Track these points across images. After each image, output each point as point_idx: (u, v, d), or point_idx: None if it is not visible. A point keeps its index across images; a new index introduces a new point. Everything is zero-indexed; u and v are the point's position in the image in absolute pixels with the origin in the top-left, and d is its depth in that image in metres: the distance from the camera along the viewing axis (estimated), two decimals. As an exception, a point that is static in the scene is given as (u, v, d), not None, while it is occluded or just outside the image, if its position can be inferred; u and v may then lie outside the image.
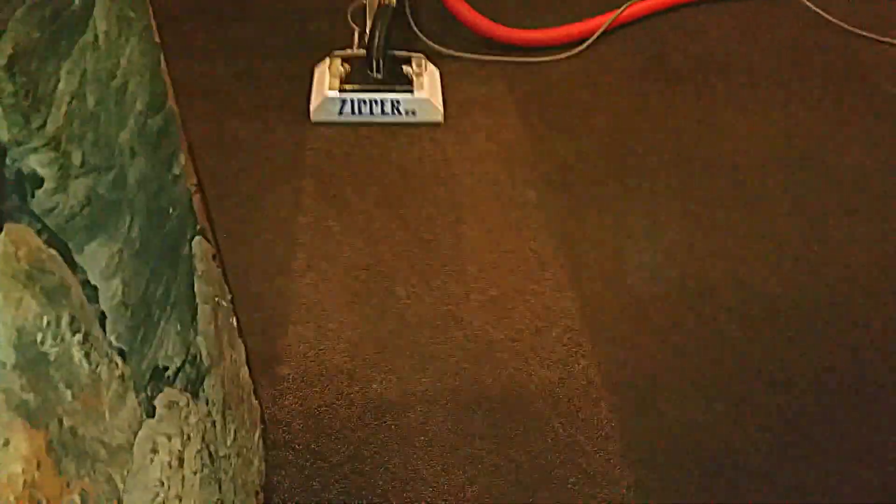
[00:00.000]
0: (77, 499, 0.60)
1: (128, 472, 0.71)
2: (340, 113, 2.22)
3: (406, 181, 2.08)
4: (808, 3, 2.68)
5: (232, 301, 1.24)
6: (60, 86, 0.63)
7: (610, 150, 2.20)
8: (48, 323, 0.58)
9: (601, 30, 2.55)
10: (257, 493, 1.32)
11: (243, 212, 1.96)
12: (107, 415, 0.68)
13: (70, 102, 0.65)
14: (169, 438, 0.84)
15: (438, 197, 2.03)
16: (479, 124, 2.26)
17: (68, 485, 0.59)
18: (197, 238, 1.07)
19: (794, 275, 1.86)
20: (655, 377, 1.64)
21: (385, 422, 1.55)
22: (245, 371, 1.29)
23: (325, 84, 2.25)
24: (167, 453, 0.82)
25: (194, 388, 1.00)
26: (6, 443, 0.52)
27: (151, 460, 0.78)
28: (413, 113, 2.22)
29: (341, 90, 2.22)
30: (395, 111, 2.22)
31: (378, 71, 2.26)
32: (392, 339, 1.70)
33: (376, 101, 2.21)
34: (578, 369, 1.65)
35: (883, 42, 2.58)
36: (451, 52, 2.47)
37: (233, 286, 1.23)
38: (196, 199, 1.07)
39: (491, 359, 1.67)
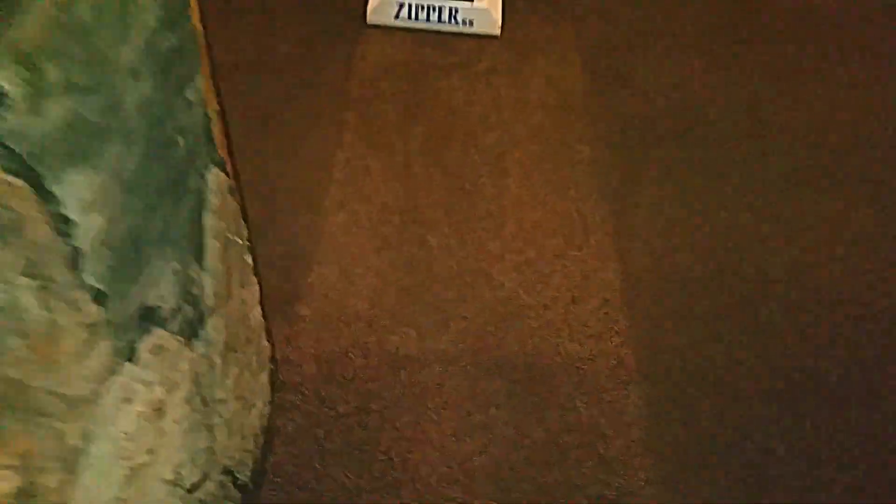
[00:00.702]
0: (16, 462, 0.54)
1: (88, 423, 0.66)
2: (397, 16, 2.15)
3: (453, 124, 1.96)
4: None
5: (249, 238, 1.17)
6: (35, -10, 0.54)
7: (677, 112, 2.04)
8: (-6, 265, 0.51)
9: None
10: (256, 435, 1.28)
11: (282, 141, 1.88)
12: (67, 364, 0.61)
13: (50, 9, 0.56)
14: (148, 386, 0.78)
15: (485, 144, 1.91)
16: (537, 67, 2.12)
17: (5, 447, 0.53)
18: (213, 170, 0.99)
19: (863, 274, 1.71)
20: (694, 367, 1.54)
21: (399, 377, 1.49)
22: (257, 311, 1.24)
23: None
24: (143, 403, 0.76)
25: (193, 330, 0.94)
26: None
27: (123, 409, 0.72)
28: (470, 23, 2.14)
29: None
30: (453, 20, 2.14)
31: None
32: (418, 291, 1.62)
33: (434, 8, 2.13)
34: (610, 347, 1.55)
35: None
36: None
37: (258, 219, 1.16)
38: (216, 127, 0.99)
39: (519, 324, 1.58)
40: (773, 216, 1.81)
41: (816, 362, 1.56)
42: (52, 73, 0.58)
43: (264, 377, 1.30)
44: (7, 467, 0.53)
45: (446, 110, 2.00)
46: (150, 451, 0.78)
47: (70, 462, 0.61)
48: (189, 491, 0.95)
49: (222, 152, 1.03)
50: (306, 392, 1.45)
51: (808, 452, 1.43)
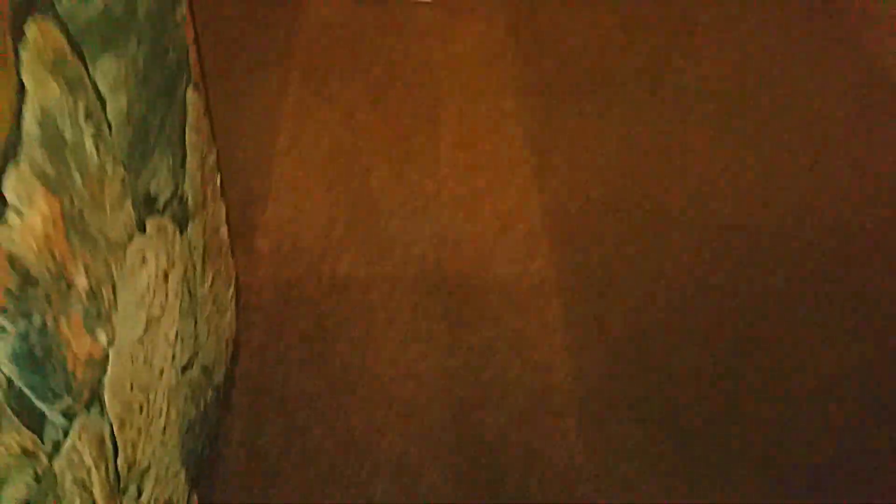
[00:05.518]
0: (81, 268, 0.69)
1: (122, 268, 0.80)
2: None
3: (391, 78, 2.13)
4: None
5: (217, 160, 1.31)
6: None
7: (588, 66, 2.27)
8: (68, 109, 0.66)
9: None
10: (227, 342, 1.43)
11: (231, 93, 2.00)
12: (108, 209, 0.76)
13: (93, -82, 0.71)
14: (156, 256, 0.92)
15: (421, 96, 2.09)
16: (467, 29, 2.31)
17: (74, 255, 0.68)
18: (191, 89, 1.13)
19: (749, 201, 1.97)
20: (605, 282, 1.77)
21: (350, 297, 1.66)
22: (224, 229, 1.38)
23: None
24: (155, 267, 0.91)
25: (181, 225, 1.08)
26: (30, 199, 0.61)
27: (141, 267, 0.87)
28: None
29: None
30: None
31: None
32: (363, 224, 1.79)
33: None
34: (534, 269, 1.76)
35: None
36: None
37: (219, 154, 1.30)
38: (192, 51, 1.13)
39: (454, 251, 1.77)
40: (671, 155, 2.06)
41: (707, 276, 1.81)
42: (95, -31, 0.72)
43: (231, 291, 1.44)
44: (80, 274, 0.67)
45: (385, 66, 2.16)
46: (160, 307, 0.92)
47: (115, 291, 0.76)
48: (182, 370, 1.10)
49: (197, 76, 1.17)
50: (267, 312, 1.61)
51: (700, 349, 1.68)
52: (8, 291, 0.58)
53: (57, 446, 0.69)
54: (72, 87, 0.66)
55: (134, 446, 0.88)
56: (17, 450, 0.59)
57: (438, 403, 1.54)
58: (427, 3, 2.34)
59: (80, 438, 0.73)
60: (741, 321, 1.73)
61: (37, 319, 0.62)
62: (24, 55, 0.62)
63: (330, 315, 1.63)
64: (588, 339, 1.66)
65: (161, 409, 0.96)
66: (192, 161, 1.13)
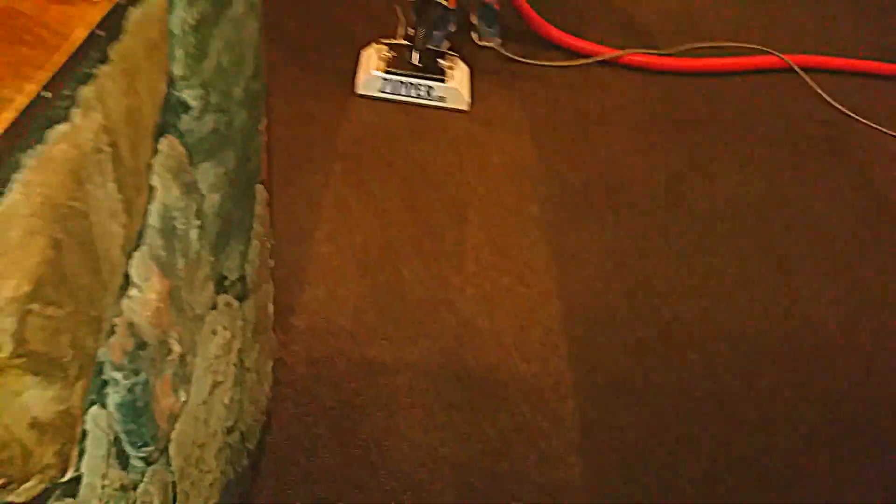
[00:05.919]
0: (176, 335, 0.82)
1: (200, 338, 0.94)
2: (382, 90, 2.55)
3: (424, 179, 2.32)
4: (812, 84, 2.95)
5: (272, 246, 1.47)
6: (213, 44, 0.87)
7: (610, 182, 2.44)
8: (182, 206, 0.81)
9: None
10: (262, 413, 1.54)
11: (281, 183, 2.19)
12: (196, 288, 0.90)
13: (216, 58, 0.89)
14: (224, 328, 1.06)
15: (450, 197, 2.27)
16: (495, 139, 2.52)
17: (173, 326, 0.82)
18: (259, 185, 1.30)
19: (760, 317, 2.09)
20: (620, 386, 1.87)
21: (376, 381, 1.78)
22: (271, 307, 1.52)
23: (372, 64, 2.60)
24: (222, 338, 1.05)
25: (241, 302, 1.22)
26: (148, 278, 0.75)
27: (212, 338, 1.01)
28: (443, 99, 2.56)
29: (385, 71, 2.55)
30: (429, 95, 2.56)
31: (418, 60, 2.59)
32: (392, 312, 1.93)
33: (413, 84, 2.54)
34: (552, 367, 1.88)
35: (872, 127, 2.84)
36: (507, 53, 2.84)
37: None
38: (264, 153, 1.31)
39: (476, 345, 1.90)
40: (685, 268, 2.20)
41: (718, 387, 1.91)
42: (213, 95, 0.90)
43: (270, 365, 1.57)
44: (176, 342, 0.81)
45: (418, 167, 2.35)
46: (223, 374, 1.05)
47: (195, 354, 0.89)
48: (226, 431, 1.21)
49: (265, 174, 1.34)
50: (298, 387, 1.72)
51: (712, 460, 1.76)
52: (125, 352, 0.72)
53: (135, 487, 0.81)
54: (187, 189, 0.82)
55: (187, 497, 0.99)
56: (118, 484, 0.71)
57: (453, 491, 1.62)
58: (462, 112, 2.56)
59: (152, 483, 0.85)
60: (752, 434, 1.82)
61: (142, 377, 0.75)
62: (156, 164, 0.78)
63: (356, 395, 1.74)
64: (601, 440, 1.75)
65: (211, 467, 1.07)
66: (254, 247, 1.29)
